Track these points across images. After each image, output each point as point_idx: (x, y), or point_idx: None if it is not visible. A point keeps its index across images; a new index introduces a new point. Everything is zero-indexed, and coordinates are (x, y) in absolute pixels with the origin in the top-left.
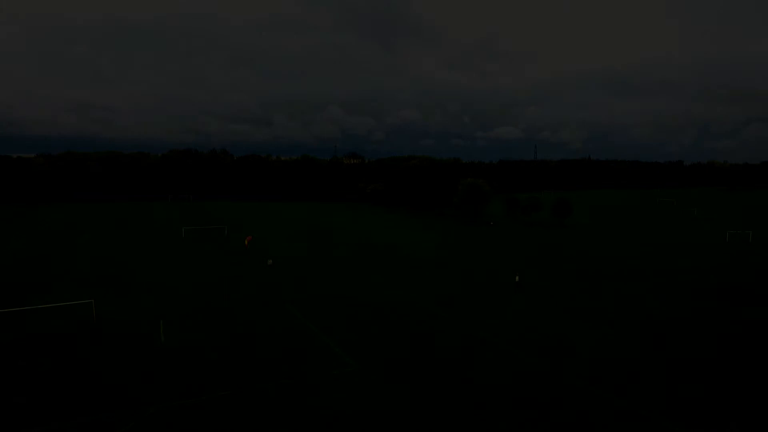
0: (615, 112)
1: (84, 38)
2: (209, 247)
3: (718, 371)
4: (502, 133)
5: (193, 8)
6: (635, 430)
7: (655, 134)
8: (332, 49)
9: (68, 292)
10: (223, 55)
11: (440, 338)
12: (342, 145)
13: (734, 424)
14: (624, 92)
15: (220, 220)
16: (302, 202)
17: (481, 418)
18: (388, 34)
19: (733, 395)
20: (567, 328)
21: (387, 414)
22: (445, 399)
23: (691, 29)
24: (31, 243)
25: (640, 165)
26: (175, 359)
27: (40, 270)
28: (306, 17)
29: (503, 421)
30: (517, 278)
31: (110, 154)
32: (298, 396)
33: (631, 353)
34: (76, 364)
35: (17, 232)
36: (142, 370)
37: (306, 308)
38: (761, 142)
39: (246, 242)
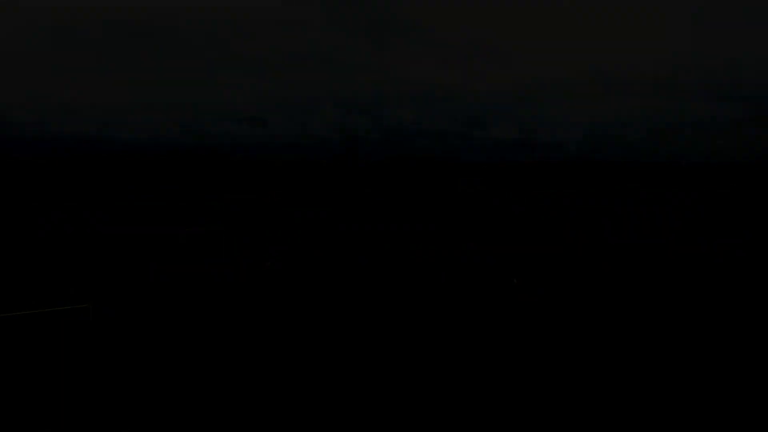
0: (614, 112)
1: (84, 39)
2: (207, 249)
3: None
4: (499, 134)
5: (192, 9)
6: None
7: (654, 134)
8: (329, 50)
9: (65, 296)
10: (221, 56)
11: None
12: (339, 146)
13: None
14: (624, 92)
15: (218, 221)
16: (301, 203)
17: None
18: (385, 34)
19: None
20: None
21: None
22: None
23: (691, 29)
24: (29, 245)
25: (639, 165)
26: (173, 362)
27: (37, 273)
28: (304, 18)
29: None
30: (515, 281)
31: (109, 155)
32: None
33: None
34: (75, 369)
35: (16, 234)
36: (141, 373)
37: (304, 310)
38: (759, 142)
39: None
